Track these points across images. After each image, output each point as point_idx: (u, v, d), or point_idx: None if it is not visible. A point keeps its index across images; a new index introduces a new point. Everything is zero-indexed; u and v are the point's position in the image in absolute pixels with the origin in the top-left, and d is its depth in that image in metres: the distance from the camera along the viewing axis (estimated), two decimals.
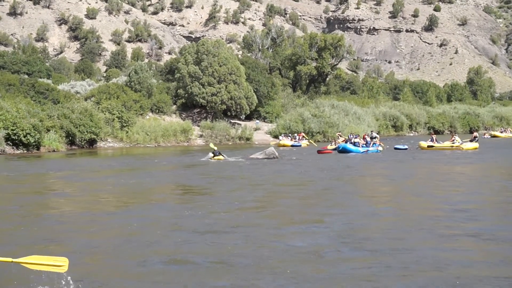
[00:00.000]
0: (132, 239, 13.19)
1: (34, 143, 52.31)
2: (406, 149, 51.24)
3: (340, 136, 67.20)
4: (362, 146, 48.29)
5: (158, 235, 13.59)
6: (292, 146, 62.70)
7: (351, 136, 66.96)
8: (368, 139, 50.66)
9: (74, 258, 10.46)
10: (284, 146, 61.44)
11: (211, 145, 45.20)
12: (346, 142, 50.72)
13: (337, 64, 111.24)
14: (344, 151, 46.66)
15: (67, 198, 20.68)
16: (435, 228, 14.20)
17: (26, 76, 79.70)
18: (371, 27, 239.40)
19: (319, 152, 47.91)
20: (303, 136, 69.47)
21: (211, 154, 40.94)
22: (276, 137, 70.02)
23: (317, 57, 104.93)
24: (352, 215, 16.29)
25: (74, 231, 14.03)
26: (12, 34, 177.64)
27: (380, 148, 49.47)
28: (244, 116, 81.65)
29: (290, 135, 69.73)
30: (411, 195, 21.00)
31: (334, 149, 49.21)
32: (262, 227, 14.35)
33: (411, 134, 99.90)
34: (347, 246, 12.32)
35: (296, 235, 13.50)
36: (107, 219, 16.14)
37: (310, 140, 69.07)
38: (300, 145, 63.58)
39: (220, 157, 40.49)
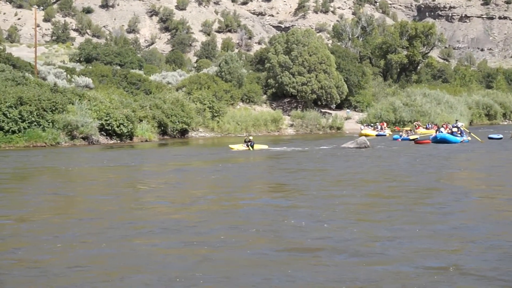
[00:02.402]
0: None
1: (127, 133, 53.14)
2: (500, 138, 49.72)
3: (419, 126, 66.10)
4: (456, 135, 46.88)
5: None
6: (377, 135, 61.62)
7: (429, 125, 65.83)
8: (454, 129, 48.87)
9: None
10: (366, 135, 59.62)
11: (247, 135, 45.31)
12: (437, 131, 49.07)
13: (428, 52, 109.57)
14: (442, 141, 45.12)
15: (165, 191, 20.10)
16: None
17: (118, 67, 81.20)
18: (463, 15, 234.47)
19: (416, 142, 46.75)
20: (386, 126, 68.43)
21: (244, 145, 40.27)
22: (373, 125, 68.79)
23: (408, 45, 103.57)
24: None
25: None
26: (104, 26, 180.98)
27: (469, 138, 48.04)
28: (334, 105, 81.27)
29: (371, 124, 68.91)
30: None
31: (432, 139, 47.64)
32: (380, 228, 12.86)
33: (505, 123, 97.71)
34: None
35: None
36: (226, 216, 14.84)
37: (393, 129, 68.12)
38: (385, 135, 62.56)
39: (240, 147, 39.70)
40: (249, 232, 12.49)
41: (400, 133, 57.03)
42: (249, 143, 39.91)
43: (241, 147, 39.70)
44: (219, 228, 12.88)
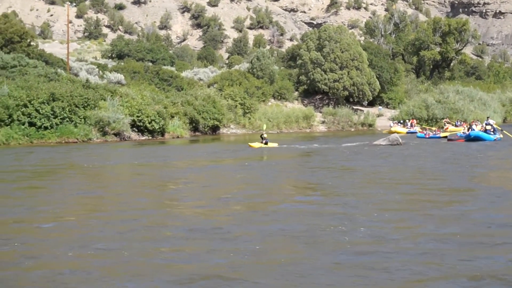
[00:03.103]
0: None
1: (158, 130, 53.21)
2: None
3: (448, 123, 65.28)
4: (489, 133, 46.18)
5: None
6: (407, 133, 60.61)
7: (458, 123, 64.92)
8: (488, 127, 47.81)
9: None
10: (396, 133, 58.30)
11: (264, 128, 45.28)
12: (469, 129, 48.26)
13: (461, 49, 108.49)
14: (476, 139, 44.44)
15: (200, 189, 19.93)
16: None
17: (150, 64, 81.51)
18: (497, 11, 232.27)
19: (449, 140, 46.17)
20: (416, 123, 67.62)
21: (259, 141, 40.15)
22: (402, 122, 67.99)
23: (441, 42, 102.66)
24: None
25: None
26: (136, 23, 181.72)
27: (501, 135, 47.30)
28: (366, 102, 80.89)
29: (401, 121, 68.22)
30: None
31: (464, 137, 46.87)
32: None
33: None
34: None
35: None
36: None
37: (423, 126, 67.37)
38: (415, 132, 61.56)
39: (260, 144, 39.51)
40: (285, 236, 11.90)
41: (425, 131, 56.28)
42: (263, 140, 39.96)
43: (259, 143, 39.61)
44: (253, 231, 12.33)
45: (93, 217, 14.17)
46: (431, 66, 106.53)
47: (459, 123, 65.03)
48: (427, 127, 60.93)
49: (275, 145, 40.56)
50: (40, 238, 12.07)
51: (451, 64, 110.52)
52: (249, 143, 40.29)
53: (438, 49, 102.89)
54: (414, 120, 68.36)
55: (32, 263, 10.10)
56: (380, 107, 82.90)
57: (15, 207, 15.75)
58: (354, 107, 79.56)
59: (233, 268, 9.68)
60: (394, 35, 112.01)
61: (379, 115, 79.24)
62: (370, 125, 74.30)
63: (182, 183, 21.29)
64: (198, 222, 13.39)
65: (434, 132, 53.98)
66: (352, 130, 71.59)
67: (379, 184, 19.69)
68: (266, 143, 39.76)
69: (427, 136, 51.80)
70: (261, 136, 40.67)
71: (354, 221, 13.17)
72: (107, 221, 13.60)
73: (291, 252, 10.78)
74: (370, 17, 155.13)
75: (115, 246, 11.09)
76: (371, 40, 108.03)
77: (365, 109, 79.50)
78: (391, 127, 63.39)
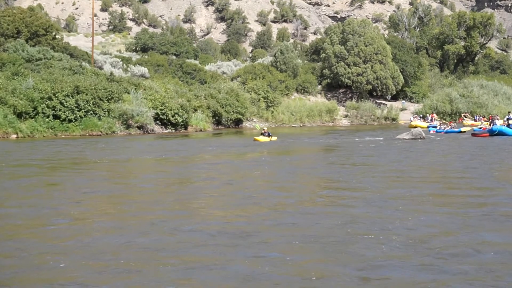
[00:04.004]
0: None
1: (182, 123, 53.36)
2: None
3: (466, 117, 64.93)
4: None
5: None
6: (428, 127, 60.10)
7: (477, 118, 64.51)
8: (498, 122, 47.27)
9: None
10: (416, 127, 57.17)
11: (257, 126, 45.12)
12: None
13: (486, 43, 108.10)
14: (500, 133, 43.96)
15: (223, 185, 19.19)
16: None
17: (174, 57, 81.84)
18: None
19: (473, 135, 45.70)
20: (436, 117, 67.15)
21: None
22: (422, 117, 67.56)
23: (465, 36, 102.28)
24: None
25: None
26: (160, 16, 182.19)
27: None
28: (390, 96, 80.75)
29: (421, 115, 67.79)
30: None
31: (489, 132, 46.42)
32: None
33: None
34: None
35: None
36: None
37: (442, 120, 66.98)
38: (436, 126, 61.18)
39: (266, 138, 39.01)
40: (311, 245, 10.46)
41: (442, 125, 55.80)
42: (265, 134, 39.76)
43: (264, 137, 39.41)
44: (277, 237, 11.07)
45: (108, 219, 13.31)
46: (455, 60, 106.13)
47: (477, 117, 64.77)
48: (443, 121, 60.54)
49: (274, 139, 40.30)
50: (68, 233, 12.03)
51: (476, 58, 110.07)
52: (255, 138, 39.89)
53: (462, 43, 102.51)
54: (434, 114, 67.93)
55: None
56: (403, 101, 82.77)
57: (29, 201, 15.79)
58: (377, 101, 79.47)
59: (255, 281, 8.76)
60: (418, 29, 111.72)
61: (402, 109, 79.09)
62: (393, 119, 74.12)
63: (203, 180, 20.34)
64: (221, 225, 12.18)
65: (449, 126, 53.36)
66: (375, 124, 71.44)
67: (409, 182, 18.42)
68: (269, 135, 39.60)
69: (441, 130, 51.40)
70: (262, 133, 40.23)
71: (388, 227, 11.71)
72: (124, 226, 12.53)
73: (319, 261, 9.51)
74: (394, 11, 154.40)
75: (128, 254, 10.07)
76: (395, 34, 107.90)
77: (389, 103, 79.37)
78: (411, 121, 62.99)
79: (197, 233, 11.40)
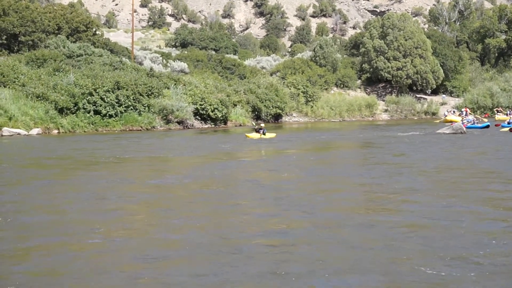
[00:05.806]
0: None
1: (221, 118, 53.60)
2: None
3: (499, 112, 64.04)
4: None
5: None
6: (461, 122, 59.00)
7: (510, 112, 63.66)
8: None
9: None
10: (451, 122, 53.99)
11: (253, 123, 44.65)
12: None
13: None
14: None
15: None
16: None
17: (213, 52, 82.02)
18: None
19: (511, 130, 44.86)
20: (469, 111, 66.14)
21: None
22: (456, 111, 66.57)
23: (506, 29, 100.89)
24: None
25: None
26: (200, 11, 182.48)
27: None
28: (430, 90, 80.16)
29: (455, 110, 66.78)
30: None
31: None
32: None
33: None
34: None
35: None
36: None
37: (476, 115, 66.07)
38: (471, 121, 60.22)
39: (257, 135, 38.07)
40: (359, 264, 9.48)
41: (475, 120, 54.73)
42: (260, 130, 38.93)
43: (256, 135, 38.54)
44: (311, 251, 10.22)
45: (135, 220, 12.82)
46: (496, 54, 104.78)
47: (510, 112, 64.06)
48: (476, 116, 59.67)
49: (272, 135, 39.53)
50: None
51: None
52: (246, 134, 39.04)
53: (503, 36, 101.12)
54: (468, 109, 66.86)
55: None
56: (443, 95, 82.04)
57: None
58: (417, 96, 78.91)
59: None
60: (458, 23, 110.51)
61: (442, 104, 78.42)
62: (434, 114, 73.63)
63: (233, 180, 19.33)
64: (253, 234, 11.49)
65: (475, 121, 52.12)
66: (415, 118, 71.10)
67: (455, 184, 17.43)
68: (264, 133, 38.67)
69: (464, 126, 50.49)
70: (256, 130, 39.30)
71: (433, 240, 10.77)
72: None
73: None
74: (434, 4, 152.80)
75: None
76: (435, 27, 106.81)
77: (429, 98, 78.77)
78: (445, 116, 62.20)
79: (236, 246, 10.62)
